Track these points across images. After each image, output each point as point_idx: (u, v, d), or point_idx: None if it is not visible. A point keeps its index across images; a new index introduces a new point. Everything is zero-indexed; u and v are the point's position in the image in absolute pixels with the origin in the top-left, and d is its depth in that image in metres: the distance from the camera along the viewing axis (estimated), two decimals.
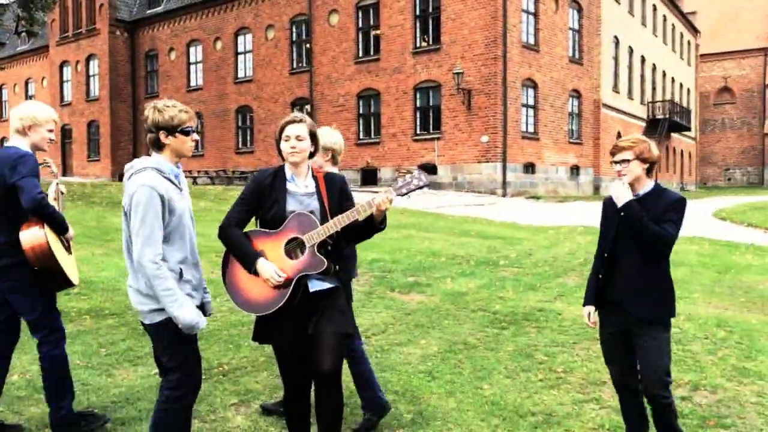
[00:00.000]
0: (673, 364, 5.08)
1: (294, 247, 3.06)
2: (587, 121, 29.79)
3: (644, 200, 3.30)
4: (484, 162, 24.72)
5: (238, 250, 3.08)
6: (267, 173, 3.18)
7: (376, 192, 3.09)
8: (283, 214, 3.06)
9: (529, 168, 26.22)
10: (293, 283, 3.03)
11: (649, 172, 3.35)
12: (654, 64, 38.83)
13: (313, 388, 3.21)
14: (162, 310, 2.86)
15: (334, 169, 3.95)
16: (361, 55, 28.07)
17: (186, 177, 3.28)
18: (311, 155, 3.21)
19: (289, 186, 3.14)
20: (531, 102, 26.29)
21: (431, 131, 26.10)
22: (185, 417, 3.02)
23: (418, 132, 26.49)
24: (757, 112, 52.41)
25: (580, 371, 4.94)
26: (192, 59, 34.75)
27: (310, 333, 3.08)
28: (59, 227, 3.64)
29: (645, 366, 3.33)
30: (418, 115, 26.56)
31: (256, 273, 3.04)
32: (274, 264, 3.03)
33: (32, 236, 3.49)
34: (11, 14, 37.47)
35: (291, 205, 3.10)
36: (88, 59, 37.96)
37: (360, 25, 28.08)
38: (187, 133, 2.95)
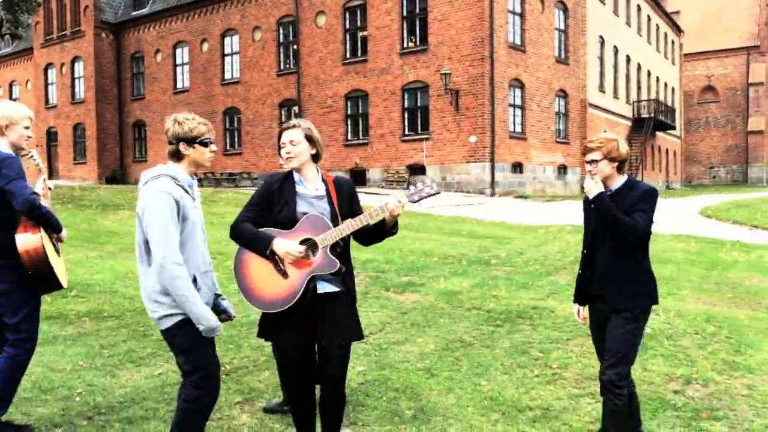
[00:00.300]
0: (664, 358, 5.24)
1: (307, 248, 3.13)
2: (574, 120, 30.05)
3: (616, 195, 3.43)
4: (472, 162, 24.88)
5: (252, 237, 3.12)
6: (277, 177, 3.25)
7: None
8: (293, 216, 3.13)
9: (517, 168, 26.41)
10: (305, 283, 3.10)
11: (620, 169, 3.45)
12: (639, 64, 39.22)
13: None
14: (172, 315, 2.92)
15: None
16: (348, 56, 28.14)
17: None
18: (316, 158, 3.29)
19: (299, 189, 3.21)
20: (518, 102, 26.49)
21: (419, 132, 26.23)
22: (203, 417, 3.07)
23: (406, 132, 26.61)
24: (740, 110, 53.03)
25: (574, 367, 5.05)
26: (178, 61, 34.66)
27: (322, 344, 3.16)
28: (54, 227, 3.67)
29: (606, 350, 3.45)
30: (406, 115, 26.68)
31: (272, 254, 3.08)
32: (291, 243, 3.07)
33: (28, 240, 3.51)
34: None
35: (302, 207, 3.16)
36: (73, 61, 37.74)
37: (347, 26, 28.16)
38: (205, 144, 3.04)
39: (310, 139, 3.21)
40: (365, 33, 27.50)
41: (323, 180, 3.28)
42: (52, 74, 39.57)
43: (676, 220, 16.84)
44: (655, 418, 4.09)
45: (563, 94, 29.27)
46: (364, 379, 4.71)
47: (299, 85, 29.47)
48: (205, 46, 33.17)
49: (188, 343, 2.96)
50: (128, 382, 4.52)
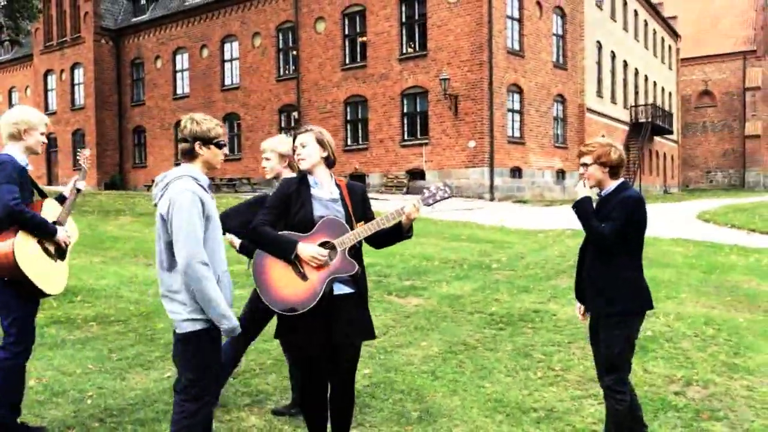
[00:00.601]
0: (665, 360, 5.32)
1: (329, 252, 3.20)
2: (572, 125, 30.17)
3: (606, 200, 3.51)
4: (471, 167, 24.98)
5: (275, 241, 3.18)
6: (293, 181, 3.34)
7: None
8: (311, 218, 3.21)
9: (516, 172, 26.52)
10: (325, 285, 3.18)
11: (614, 174, 3.51)
12: (636, 69, 39.39)
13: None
14: (195, 320, 2.91)
15: (293, 175, 4.13)
16: (347, 61, 28.26)
17: None
18: (329, 163, 3.37)
19: (314, 191, 3.30)
20: (517, 107, 26.60)
21: (419, 137, 26.33)
22: (206, 428, 3.05)
23: (405, 138, 26.72)
24: (737, 115, 53.19)
25: (577, 369, 5.13)
26: (178, 67, 34.76)
27: (337, 344, 3.25)
28: (42, 231, 3.63)
29: (599, 355, 3.55)
30: (405, 120, 26.79)
31: (296, 258, 3.14)
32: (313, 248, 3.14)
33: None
34: None
35: (318, 209, 3.25)
36: (72, 68, 37.82)
37: (346, 32, 28.29)
38: (220, 146, 3.09)
39: (321, 142, 3.32)
40: (364, 39, 27.62)
41: (336, 185, 3.37)
42: (52, 80, 39.65)
43: (675, 224, 16.93)
44: (657, 419, 4.17)
45: (561, 99, 29.40)
46: (370, 382, 4.78)
47: (299, 90, 29.58)
48: (205, 52, 33.28)
49: (201, 352, 2.94)
50: (138, 384, 4.59)
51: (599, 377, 3.57)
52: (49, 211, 3.81)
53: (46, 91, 40.11)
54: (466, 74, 24.91)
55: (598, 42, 33.09)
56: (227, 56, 32.59)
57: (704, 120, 54.65)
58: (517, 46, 26.52)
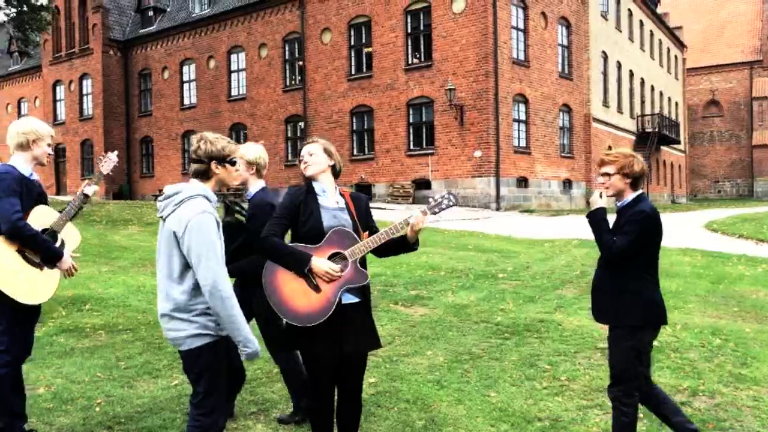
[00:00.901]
0: (671, 371, 5.32)
1: (336, 262, 3.23)
2: (578, 135, 30.18)
3: (623, 211, 3.50)
4: (477, 177, 25.01)
5: (287, 254, 3.18)
6: (300, 190, 3.38)
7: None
8: (320, 228, 3.24)
9: (522, 182, 26.53)
10: (338, 295, 3.20)
11: (634, 185, 3.50)
12: (642, 79, 39.41)
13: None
14: (200, 335, 2.88)
15: (261, 182, 4.18)
16: (353, 72, 28.39)
17: None
18: (335, 172, 3.42)
19: (321, 200, 3.33)
20: (522, 117, 26.64)
21: (425, 147, 26.39)
22: None
23: (411, 147, 26.78)
24: (744, 124, 53.11)
25: (582, 379, 5.13)
26: (185, 78, 34.98)
27: (346, 353, 3.27)
28: (46, 255, 3.61)
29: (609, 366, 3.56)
30: (411, 130, 26.86)
31: (309, 271, 3.16)
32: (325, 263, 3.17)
33: None
34: (4, 35, 37.51)
35: (326, 219, 3.28)
36: (81, 78, 38.14)
37: (352, 42, 28.44)
38: (233, 164, 3.08)
39: (327, 152, 3.39)
40: (370, 49, 27.76)
41: (341, 195, 3.42)
42: (61, 91, 39.99)
43: (683, 234, 16.89)
44: (663, 428, 4.16)
45: (567, 108, 29.43)
46: (376, 390, 4.80)
47: (305, 101, 29.72)
48: (212, 63, 33.50)
49: (211, 365, 2.92)
50: (146, 392, 4.63)
51: (607, 387, 3.59)
52: (38, 218, 3.72)
53: (54, 101, 40.46)
54: (471, 84, 24.99)
55: (604, 52, 33.15)
56: (234, 67, 32.79)
57: (711, 130, 54.57)
58: (522, 57, 26.59)
